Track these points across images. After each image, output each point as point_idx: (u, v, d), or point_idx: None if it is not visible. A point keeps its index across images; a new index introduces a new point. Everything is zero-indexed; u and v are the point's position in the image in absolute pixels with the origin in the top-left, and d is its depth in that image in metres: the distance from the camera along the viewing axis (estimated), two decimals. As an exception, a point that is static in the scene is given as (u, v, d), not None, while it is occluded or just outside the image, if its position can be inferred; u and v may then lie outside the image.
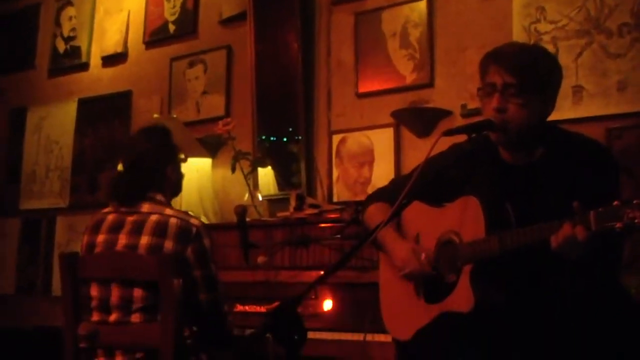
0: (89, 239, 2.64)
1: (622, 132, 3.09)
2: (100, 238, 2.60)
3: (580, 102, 3.21)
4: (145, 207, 2.60)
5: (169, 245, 2.50)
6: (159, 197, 2.64)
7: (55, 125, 5.31)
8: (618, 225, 1.61)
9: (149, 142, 2.70)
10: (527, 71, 2.00)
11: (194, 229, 2.56)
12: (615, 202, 1.63)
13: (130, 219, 2.59)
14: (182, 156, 3.50)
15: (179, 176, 2.80)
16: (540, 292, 1.94)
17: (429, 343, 2.10)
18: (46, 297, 5.02)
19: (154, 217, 2.56)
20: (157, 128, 2.80)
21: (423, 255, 2.15)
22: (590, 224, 1.68)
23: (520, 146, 2.09)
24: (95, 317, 2.56)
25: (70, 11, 5.43)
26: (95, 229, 2.64)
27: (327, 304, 3.07)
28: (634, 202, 1.59)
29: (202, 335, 2.62)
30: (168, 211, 2.59)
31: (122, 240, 2.55)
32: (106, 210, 2.69)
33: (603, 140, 3.04)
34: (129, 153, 2.72)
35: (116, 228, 2.59)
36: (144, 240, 2.52)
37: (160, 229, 2.53)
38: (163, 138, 2.74)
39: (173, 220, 2.54)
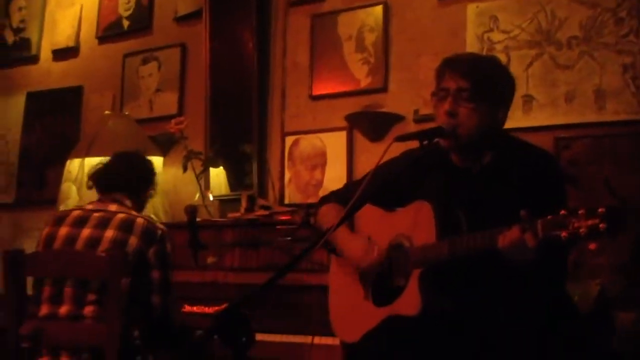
0: (50, 230, 2.62)
1: (570, 142, 3.16)
2: (63, 231, 2.58)
3: (530, 111, 3.27)
4: (113, 207, 2.64)
5: (133, 241, 2.53)
6: (127, 202, 2.71)
7: (1, 118, 5.18)
8: (564, 234, 1.64)
9: (144, 164, 2.88)
10: (480, 77, 2.04)
11: (159, 232, 2.61)
12: (562, 211, 1.66)
13: (96, 214, 2.61)
14: None
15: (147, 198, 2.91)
16: (487, 299, 1.96)
17: (376, 346, 2.11)
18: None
19: (120, 215, 2.60)
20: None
21: (376, 251, 2.16)
22: (537, 232, 1.71)
23: (469, 151, 2.11)
24: (44, 309, 2.50)
25: (19, 2, 5.30)
26: (59, 221, 2.63)
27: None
28: (579, 212, 1.61)
29: (149, 335, 2.60)
30: (135, 213, 2.65)
31: (86, 233, 2.55)
32: (71, 207, 2.72)
33: (551, 149, 3.10)
34: (124, 159, 2.82)
35: (81, 222, 2.59)
36: (109, 233, 2.53)
37: (127, 226, 2.56)
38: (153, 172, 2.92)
39: (140, 220, 2.60)
